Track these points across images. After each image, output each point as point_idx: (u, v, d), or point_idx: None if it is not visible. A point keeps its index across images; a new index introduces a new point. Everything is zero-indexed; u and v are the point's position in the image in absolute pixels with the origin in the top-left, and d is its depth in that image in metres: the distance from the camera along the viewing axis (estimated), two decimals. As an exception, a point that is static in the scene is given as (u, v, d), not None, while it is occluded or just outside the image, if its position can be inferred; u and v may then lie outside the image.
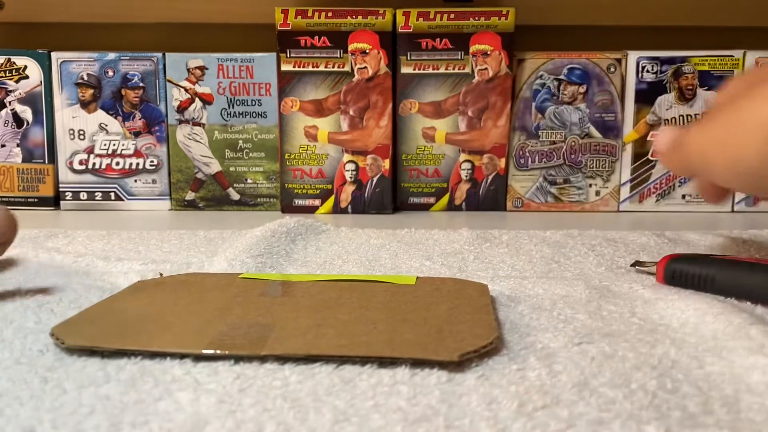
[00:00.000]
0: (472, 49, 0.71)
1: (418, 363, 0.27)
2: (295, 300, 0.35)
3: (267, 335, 0.29)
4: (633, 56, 0.72)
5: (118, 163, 0.76)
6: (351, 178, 0.73)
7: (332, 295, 0.36)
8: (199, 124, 0.75)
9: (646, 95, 0.72)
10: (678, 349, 0.29)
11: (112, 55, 0.75)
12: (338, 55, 0.71)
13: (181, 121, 0.75)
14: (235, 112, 0.74)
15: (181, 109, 0.74)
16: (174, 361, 0.27)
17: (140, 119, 0.75)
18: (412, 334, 0.29)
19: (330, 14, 0.70)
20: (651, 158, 0.73)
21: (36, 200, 0.77)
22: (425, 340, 0.28)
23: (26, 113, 0.76)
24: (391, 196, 0.73)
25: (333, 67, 0.71)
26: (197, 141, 0.75)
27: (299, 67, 0.71)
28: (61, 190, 0.76)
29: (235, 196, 0.75)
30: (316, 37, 0.71)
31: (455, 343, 0.28)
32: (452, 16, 0.70)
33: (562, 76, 0.72)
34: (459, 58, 0.71)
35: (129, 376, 0.25)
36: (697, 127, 0.36)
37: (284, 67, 0.71)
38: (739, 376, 0.26)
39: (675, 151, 0.38)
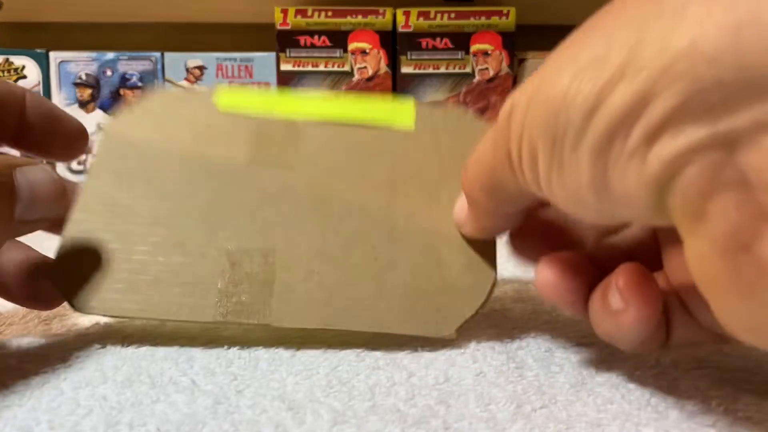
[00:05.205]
0: (473, 48, 0.71)
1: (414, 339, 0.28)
2: (296, 192, 0.31)
3: (269, 292, 0.28)
4: (633, 55, 0.71)
5: (117, 163, 0.76)
6: (350, 177, 0.73)
7: (339, 186, 0.32)
8: (198, 124, 0.75)
9: (646, 95, 0.72)
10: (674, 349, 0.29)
11: (110, 55, 0.75)
12: (338, 55, 0.71)
13: (180, 121, 0.75)
14: (234, 112, 0.74)
15: (181, 108, 0.74)
16: (170, 362, 0.27)
17: (140, 119, 0.75)
18: (407, 301, 0.29)
19: (330, 14, 0.70)
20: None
21: (35, 200, 0.77)
22: (423, 314, 0.29)
23: (26, 113, 0.76)
24: (390, 195, 0.73)
25: (333, 66, 0.71)
26: (197, 141, 0.75)
27: (299, 66, 0.71)
28: (60, 189, 0.76)
29: (235, 196, 0.75)
30: (316, 37, 0.71)
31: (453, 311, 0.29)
32: (453, 15, 0.70)
33: (561, 76, 0.72)
34: (459, 57, 0.71)
35: (125, 377, 0.25)
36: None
37: (284, 67, 0.71)
38: (737, 377, 0.26)
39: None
